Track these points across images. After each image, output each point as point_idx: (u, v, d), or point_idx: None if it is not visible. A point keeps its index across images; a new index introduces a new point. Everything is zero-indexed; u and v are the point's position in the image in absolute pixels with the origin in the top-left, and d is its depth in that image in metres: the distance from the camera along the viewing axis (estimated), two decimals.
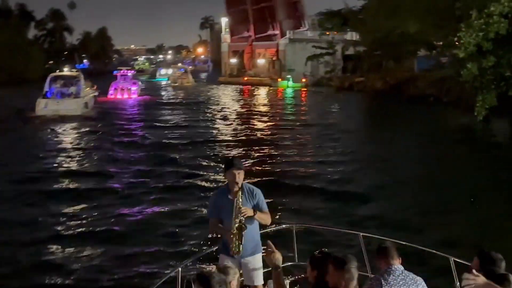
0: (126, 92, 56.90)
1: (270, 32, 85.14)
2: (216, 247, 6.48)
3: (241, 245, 5.83)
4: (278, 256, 5.09)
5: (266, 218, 6.06)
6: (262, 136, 33.03)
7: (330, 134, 33.25)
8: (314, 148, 28.84)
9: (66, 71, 52.21)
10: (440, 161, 24.84)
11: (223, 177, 6.63)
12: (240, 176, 5.90)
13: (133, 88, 58.17)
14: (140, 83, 62.08)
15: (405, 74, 59.57)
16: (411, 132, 34.18)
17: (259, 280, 6.13)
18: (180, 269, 5.73)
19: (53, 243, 14.00)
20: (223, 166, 6.49)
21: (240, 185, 5.90)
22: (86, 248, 13.54)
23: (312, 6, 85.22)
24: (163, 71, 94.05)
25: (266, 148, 28.29)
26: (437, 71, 53.22)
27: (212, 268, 4.37)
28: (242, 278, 5.94)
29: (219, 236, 6.27)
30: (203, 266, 7.13)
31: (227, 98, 62.26)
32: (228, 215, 5.90)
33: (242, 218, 5.80)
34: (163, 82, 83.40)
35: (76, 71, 50.69)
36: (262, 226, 6.21)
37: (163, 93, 68.69)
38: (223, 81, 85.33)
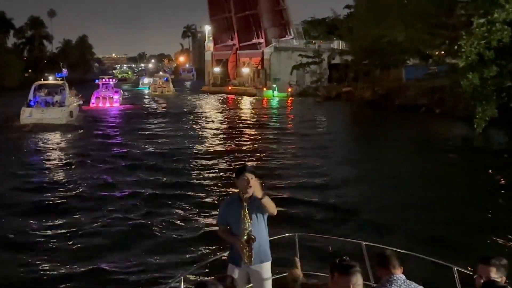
0: (108, 101, 56.29)
1: (254, 40, 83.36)
2: (219, 255, 6.71)
3: (251, 253, 5.86)
4: (300, 274, 5.37)
5: (272, 205, 5.98)
6: (247, 147, 31.31)
7: (318, 145, 31.54)
8: (301, 158, 27.14)
9: (51, 79, 52.45)
10: (437, 172, 23.50)
11: (234, 184, 6.46)
12: (253, 181, 5.86)
13: (115, 96, 57.69)
14: (121, 91, 61.93)
15: (393, 83, 58.35)
16: (404, 142, 32.71)
17: None
18: (182, 278, 5.79)
19: (45, 256, 13.26)
20: (234, 174, 6.29)
21: (252, 191, 5.84)
22: (83, 259, 12.95)
23: (295, 15, 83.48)
24: (145, 79, 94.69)
25: (251, 160, 26.71)
26: (427, 81, 52.07)
27: (211, 278, 4.24)
28: (251, 285, 6.13)
29: (228, 245, 6.37)
30: (206, 275, 6.89)
31: (210, 108, 60.41)
32: (238, 222, 5.92)
33: (250, 228, 5.84)
34: (146, 91, 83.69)
35: (61, 80, 49.95)
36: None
37: (145, 102, 68.08)
38: (207, 91, 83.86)
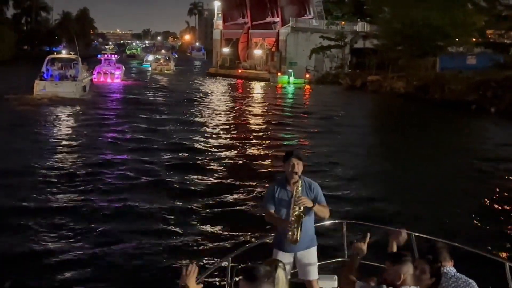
0: (110, 76, 57.59)
1: (269, 19, 74.90)
2: (267, 239, 6.73)
3: (300, 233, 5.89)
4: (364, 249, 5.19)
5: (325, 211, 6.17)
6: (259, 148, 25.47)
7: (344, 147, 25.66)
8: (325, 163, 21.96)
9: (64, 53, 53.00)
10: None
11: (282, 168, 6.36)
12: (299, 166, 6.00)
13: (117, 72, 58.67)
14: (123, 67, 62.64)
15: (430, 74, 50.61)
16: (457, 149, 26.47)
17: (313, 274, 6.20)
18: (230, 258, 5.98)
19: (72, 240, 12.43)
20: (283, 157, 6.22)
21: (299, 176, 5.97)
22: (128, 240, 12.51)
23: None
24: (150, 57, 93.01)
25: (262, 161, 22.39)
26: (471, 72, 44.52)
27: (261, 262, 4.11)
28: (296, 270, 6.21)
29: (273, 227, 6.54)
30: (254, 258, 5.88)
31: (215, 93, 52.85)
32: (285, 206, 6.03)
33: (301, 207, 5.89)
34: (149, 68, 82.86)
35: (74, 54, 49.10)
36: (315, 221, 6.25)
37: (146, 79, 66.51)
38: (214, 73, 76.21)
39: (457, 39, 51.34)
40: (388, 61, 55.99)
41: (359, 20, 69.08)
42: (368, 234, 5.36)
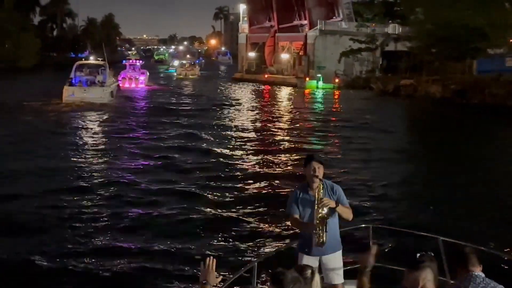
0: (134, 82, 58.71)
1: (296, 22, 72.35)
2: (294, 244, 6.68)
3: (325, 234, 5.88)
4: (370, 261, 5.11)
5: (348, 212, 6.17)
6: (288, 155, 24.66)
7: (382, 158, 24.17)
8: (356, 170, 21.47)
9: (92, 59, 54.15)
10: None
11: (303, 173, 6.40)
12: (320, 170, 6.07)
13: (141, 77, 59.85)
14: (147, 73, 63.70)
15: (467, 77, 47.86)
16: (498, 157, 24.83)
17: (339, 278, 6.21)
18: (256, 264, 6.01)
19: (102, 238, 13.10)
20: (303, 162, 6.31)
21: (320, 179, 6.03)
22: (156, 242, 12.94)
23: None
24: (176, 62, 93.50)
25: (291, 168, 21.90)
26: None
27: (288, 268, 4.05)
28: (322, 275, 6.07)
29: (298, 232, 6.62)
30: (281, 263, 5.26)
31: (242, 100, 50.74)
32: (309, 210, 6.09)
33: (324, 209, 5.90)
34: (175, 74, 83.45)
35: (101, 60, 50.33)
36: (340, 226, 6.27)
37: (171, 84, 67.24)
38: (239, 78, 74.15)
39: (495, 40, 48.38)
40: (421, 64, 53.32)
41: (390, 21, 66.37)
42: (376, 246, 5.29)
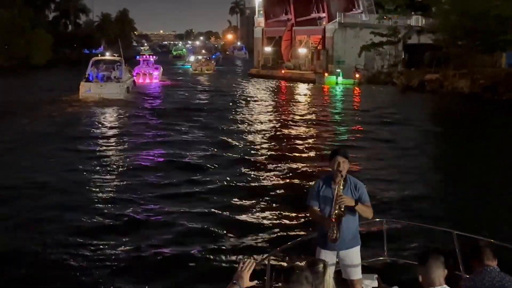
0: (148, 77, 58.95)
1: (314, 14, 69.78)
2: (310, 237, 6.86)
3: (338, 233, 5.88)
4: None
5: (367, 211, 6.13)
6: (309, 153, 23.84)
7: (402, 151, 24.07)
8: (379, 168, 20.84)
9: (108, 55, 54.14)
10: None
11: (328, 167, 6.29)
12: (344, 165, 5.98)
13: (155, 73, 60.14)
14: (161, 68, 63.53)
15: (498, 71, 45.14)
16: None
17: (357, 274, 6.18)
18: (271, 257, 6.19)
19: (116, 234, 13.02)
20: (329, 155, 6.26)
21: (343, 174, 5.96)
22: (174, 237, 12.94)
23: None
24: (191, 57, 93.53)
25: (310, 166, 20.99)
26: None
27: (301, 262, 4.30)
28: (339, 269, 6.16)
29: (316, 225, 6.60)
30: (294, 257, 6.76)
31: (258, 97, 48.37)
32: (329, 204, 6.02)
33: (342, 205, 5.88)
34: (190, 69, 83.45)
35: (117, 56, 50.34)
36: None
37: (186, 79, 66.59)
38: (255, 74, 71.69)
39: None
40: (446, 57, 50.55)
41: (412, 13, 63.59)
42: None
